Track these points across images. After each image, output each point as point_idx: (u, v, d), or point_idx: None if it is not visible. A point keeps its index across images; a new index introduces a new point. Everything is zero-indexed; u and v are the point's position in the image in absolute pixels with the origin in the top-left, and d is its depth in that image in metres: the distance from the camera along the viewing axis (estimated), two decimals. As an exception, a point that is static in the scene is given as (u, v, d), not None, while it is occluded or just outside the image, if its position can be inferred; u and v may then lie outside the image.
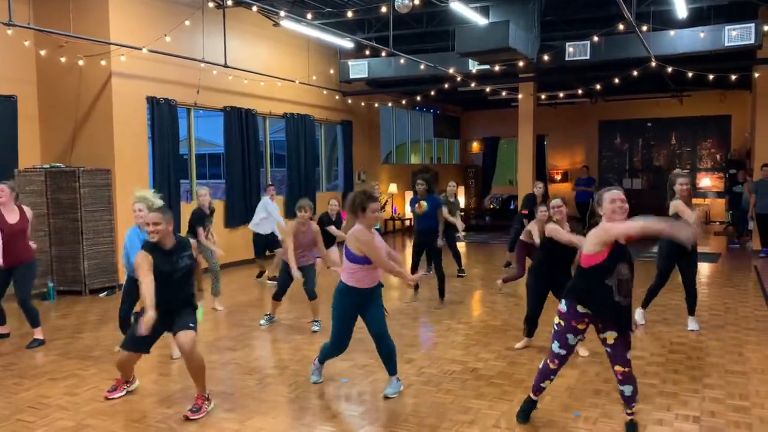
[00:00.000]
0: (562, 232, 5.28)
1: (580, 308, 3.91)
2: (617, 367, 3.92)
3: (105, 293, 8.87)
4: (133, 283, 5.54)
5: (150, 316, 4.20)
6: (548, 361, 4.12)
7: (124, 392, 4.86)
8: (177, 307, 4.55)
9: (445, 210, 8.62)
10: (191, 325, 4.51)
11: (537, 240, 6.67)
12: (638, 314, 6.73)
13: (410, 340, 6.41)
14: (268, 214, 9.67)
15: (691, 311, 6.61)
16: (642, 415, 4.34)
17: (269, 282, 9.39)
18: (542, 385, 4.21)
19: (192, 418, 4.39)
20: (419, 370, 5.44)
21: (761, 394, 4.76)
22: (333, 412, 4.58)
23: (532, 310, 5.94)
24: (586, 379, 5.12)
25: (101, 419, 4.45)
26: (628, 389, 3.95)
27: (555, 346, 4.05)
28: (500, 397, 4.78)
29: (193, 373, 4.53)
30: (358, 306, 4.73)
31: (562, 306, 4.02)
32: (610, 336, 3.90)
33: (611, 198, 3.82)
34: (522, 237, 7.82)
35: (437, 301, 8.18)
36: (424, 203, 8.18)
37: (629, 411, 4.03)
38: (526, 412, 4.28)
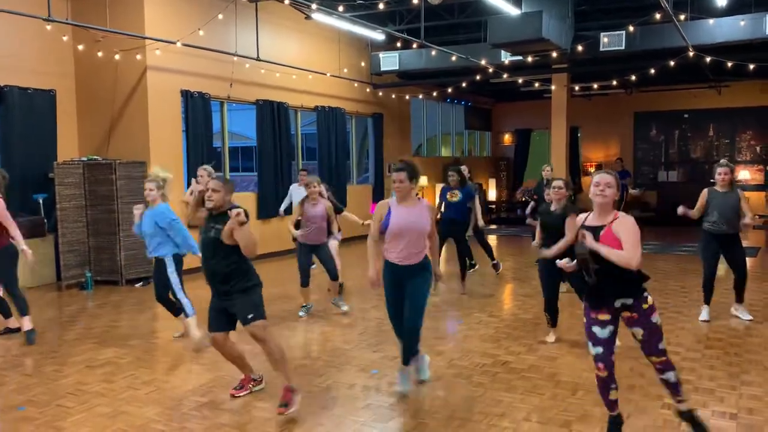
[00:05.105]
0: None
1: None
2: (653, 358, 3.73)
3: (141, 283, 9.05)
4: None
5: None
6: (595, 370, 3.78)
7: (248, 392, 4.70)
8: (227, 288, 4.36)
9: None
10: (248, 317, 4.34)
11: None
12: (704, 313, 6.61)
13: (440, 332, 6.41)
14: (291, 200, 9.59)
15: (739, 298, 6.65)
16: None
17: None
18: (610, 398, 3.76)
19: (282, 413, 4.24)
20: (450, 362, 5.43)
21: (801, 391, 4.64)
22: (363, 402, 4.60)
23: (547, 295, 5.89)
24: (620, 374, 5.00)
25: (137, 406, 4.55)
26: (671, 375, 3.71)
27: (590, 347, 3.80)
28: (531, 390, 4.75)
29: (271, 362, 4.46)
30: None
31: (584, 302, 3.88)
32: (637, 332, 3.71)
33: (596, 181, 3.64)
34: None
35: (461, 287, 8.25)
36: (457, 192, 8.42)
37: (679, 399, 3.77)
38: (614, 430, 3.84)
